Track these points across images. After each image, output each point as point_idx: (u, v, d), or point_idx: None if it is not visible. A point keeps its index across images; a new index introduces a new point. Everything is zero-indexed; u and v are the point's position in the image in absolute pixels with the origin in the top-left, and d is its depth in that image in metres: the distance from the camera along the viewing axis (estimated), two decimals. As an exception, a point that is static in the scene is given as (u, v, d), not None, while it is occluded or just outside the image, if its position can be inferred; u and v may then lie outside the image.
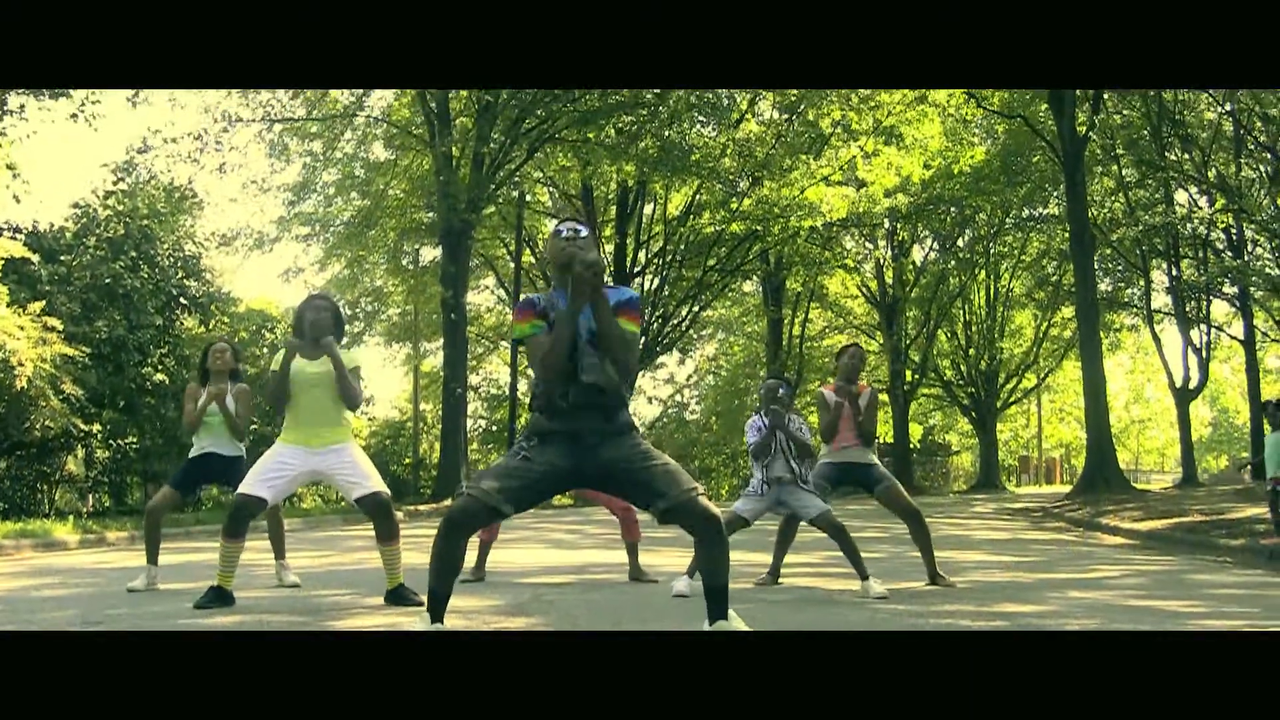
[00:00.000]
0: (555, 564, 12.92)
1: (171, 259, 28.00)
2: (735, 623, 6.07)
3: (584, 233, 6.40)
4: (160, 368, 26.50)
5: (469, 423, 46.15)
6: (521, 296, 6.78)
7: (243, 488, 8.63)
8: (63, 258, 26.04)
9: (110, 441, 27.04)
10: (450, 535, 5.99)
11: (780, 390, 10.29)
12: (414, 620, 6.26)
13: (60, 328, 22.23)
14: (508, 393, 42.85)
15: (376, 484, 8.77)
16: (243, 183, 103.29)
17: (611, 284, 6.41)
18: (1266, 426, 16.09)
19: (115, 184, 30.21)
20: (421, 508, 31.19)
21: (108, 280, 25.03)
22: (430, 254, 45.00)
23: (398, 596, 8.66)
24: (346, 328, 9.54)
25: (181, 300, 27.97)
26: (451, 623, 7.40)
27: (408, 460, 47.79)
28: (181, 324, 28.25)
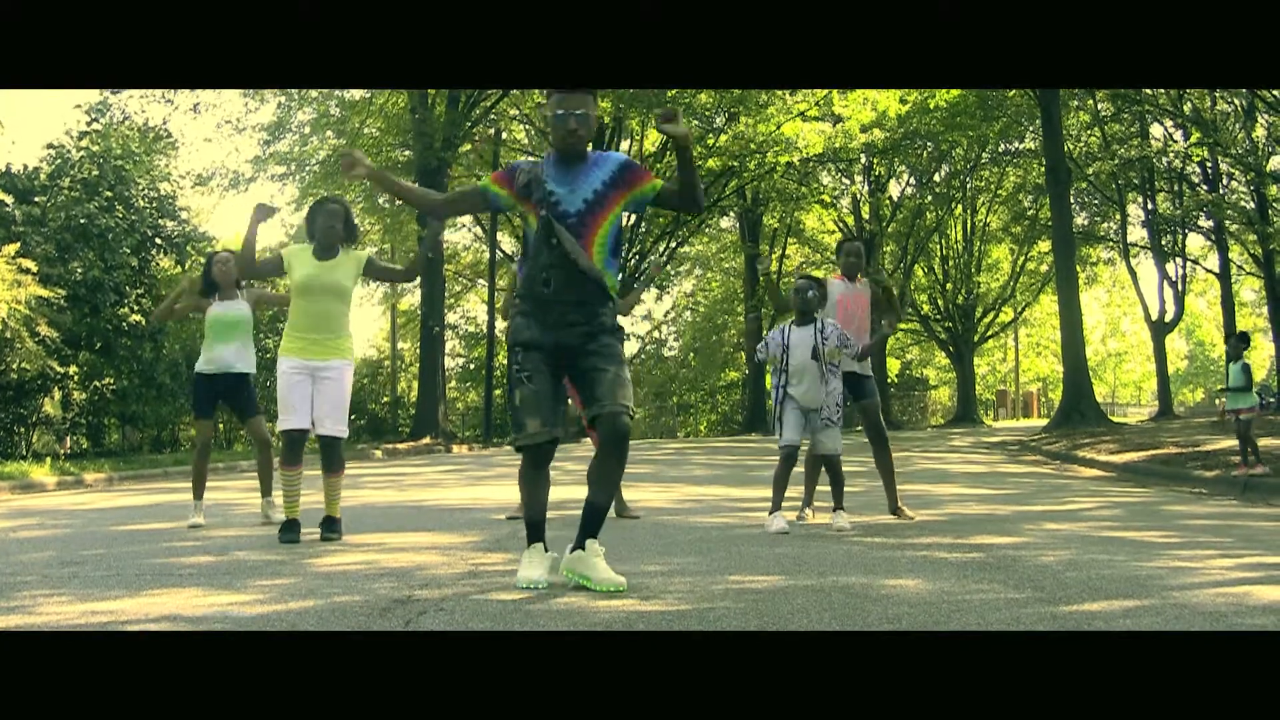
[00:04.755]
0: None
1: (146, 199, 27.84)
2: (595, 553, 6.22)
3: (579, 114, 6.26)
4: (136, 308, 26.39)
5: (447, 361, 46.13)
6: (509, 163, 6.85)
7: (283, 424, 8.82)
8: (37, 199, 25.91)
9: (87, 383, 26.98)
10: (531, 477, 6.38)
11: (810, 291, 9.92)
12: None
13: (35, 269, 22.12)
14: (485, 330, 42.84)
15: (338, 427, 8.94)
16: (217, 122, 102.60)
17: (592, 149, 6.46)
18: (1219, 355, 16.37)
19: (89, 125, 30.00)
20: (400, 446, 31.21)
21: (82, 221, 24.90)
22: (406, 191, 44.81)
23: (329, 525, 8.88)
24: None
25: (157, 240, 27.83)
26: (433, 558, 7.44)
27: (386, 399, 47.82)
28: (157, 264, 28.12)
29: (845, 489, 10.06)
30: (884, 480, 10.66)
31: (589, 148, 6.39)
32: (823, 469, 10.20)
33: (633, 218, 45.03)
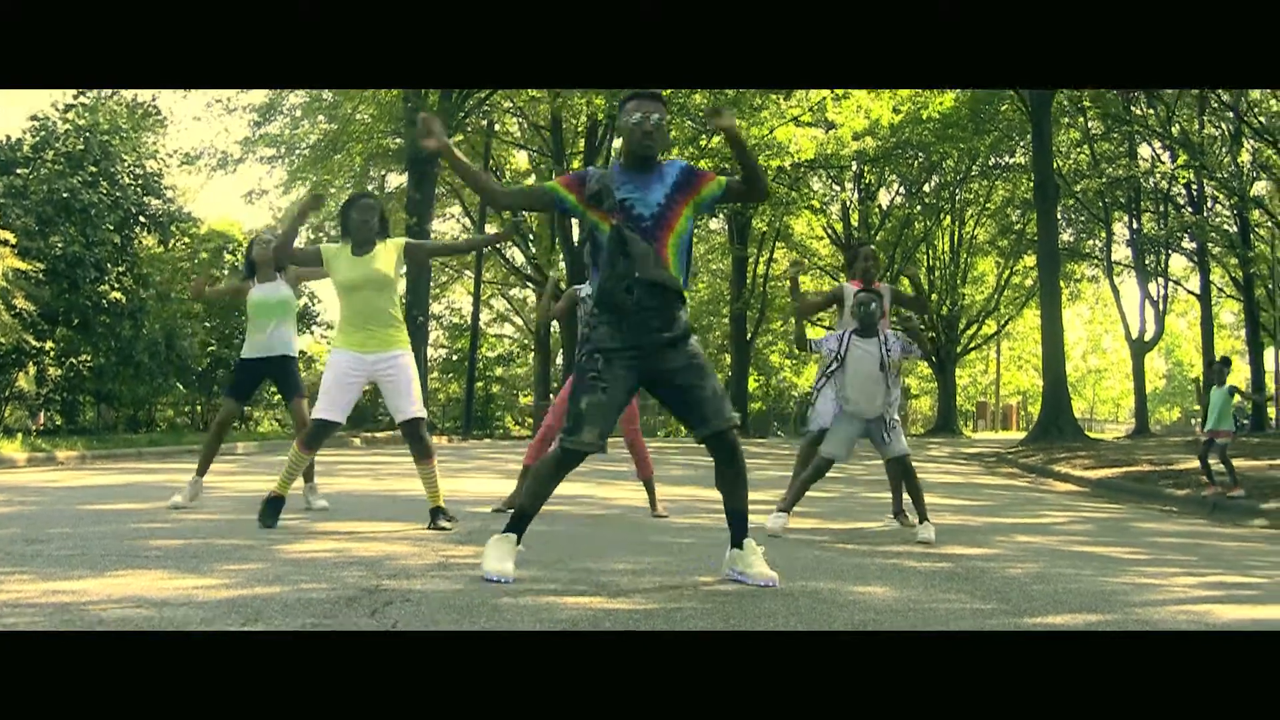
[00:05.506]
0: (509, 494, 12.91)
1: (131, 176, 27.62)
2: (752, 551, 6.42)
3: (655, 119, 6.37)
4: (117, 286, 26.23)
5: (430, 351, 46.12)
6: (578, 169, 6.92)
7: (318, 412, 8.81)
8: (19, 170, 25.68)
9: (63, 359, 26.76)
10: (550, 474, 6.41)
11: (873, 304, 9.70)
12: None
13: (14, 242, 21.99)
14: (469, 322, 42.81)
15: (418, 409, 8.97)
16: (207, 101, 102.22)
17: (661, 158, 6.51)
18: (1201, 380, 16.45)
19: (75, 97, 29.83)
20: (379, 435, 31.14)
21: (65, 195, 24.71)
22: (396, 180, 44.91)
23: (435, 515, 8.91)
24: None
25: (141, 218, 27.61)
26: (403, 548, 7.43)
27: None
28: (140, 242, 27.94)
29: (817, 495, 10.04)
30: (894, 486, 10.68)
31: (659, 157, 6.45)
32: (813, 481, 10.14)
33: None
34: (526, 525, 6.38)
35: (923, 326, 10.62)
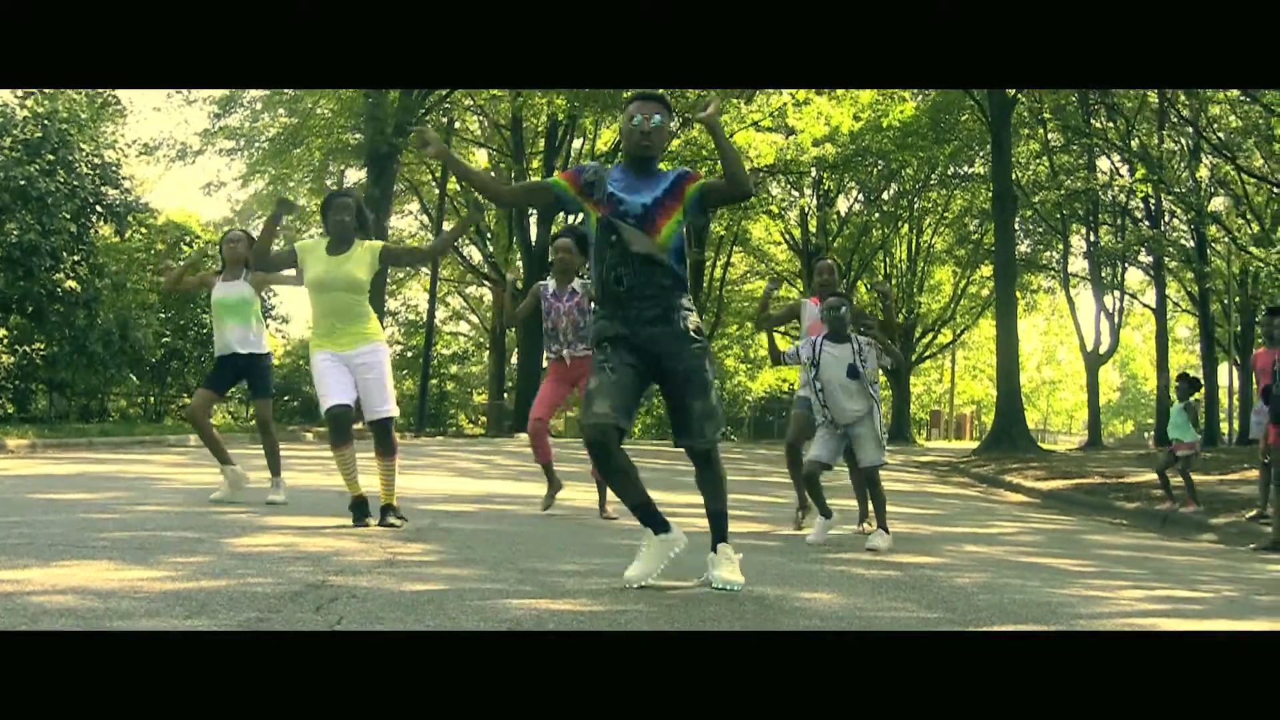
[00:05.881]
0: (459, 493, 12.90)
1: (90, 165, 27.45)
2: (725, 554, 6.40)
3: (656, 119, 6.47)
4: (72, 275, 26.09)
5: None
6: (577, 164, 6.93)
7: (323, 404, 8.81)
8: (-24, 158, 25.58)
9: (15, 347, 26.61)
10: (603, 460, 6.27)
11: (842, 308, 9.73)
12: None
13: (-32, 229, 21.87)
14: (425, 319, 42.74)
15: (391, 409, 8.94)
16: (168, 91, 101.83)
17: (664, 166, 6.59)
18: (1174, 396, 16.41)
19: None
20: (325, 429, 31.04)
21: (22, 182, 24.52)
22: (355, 175, 44.80)
23: (386, 512, 8.91)
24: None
25: (98, 207, 27.46)
26: (347, 544, 7.42)
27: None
28: (96, 231, 27.79)
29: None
30: (859, 495, 10.71)
31: (659, 164, 6.53)
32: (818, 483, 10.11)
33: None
34: (653, 511, 6.35)
35: (888, 340, 10.57)
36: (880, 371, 9.98)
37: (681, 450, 6.47)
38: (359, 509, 8.76)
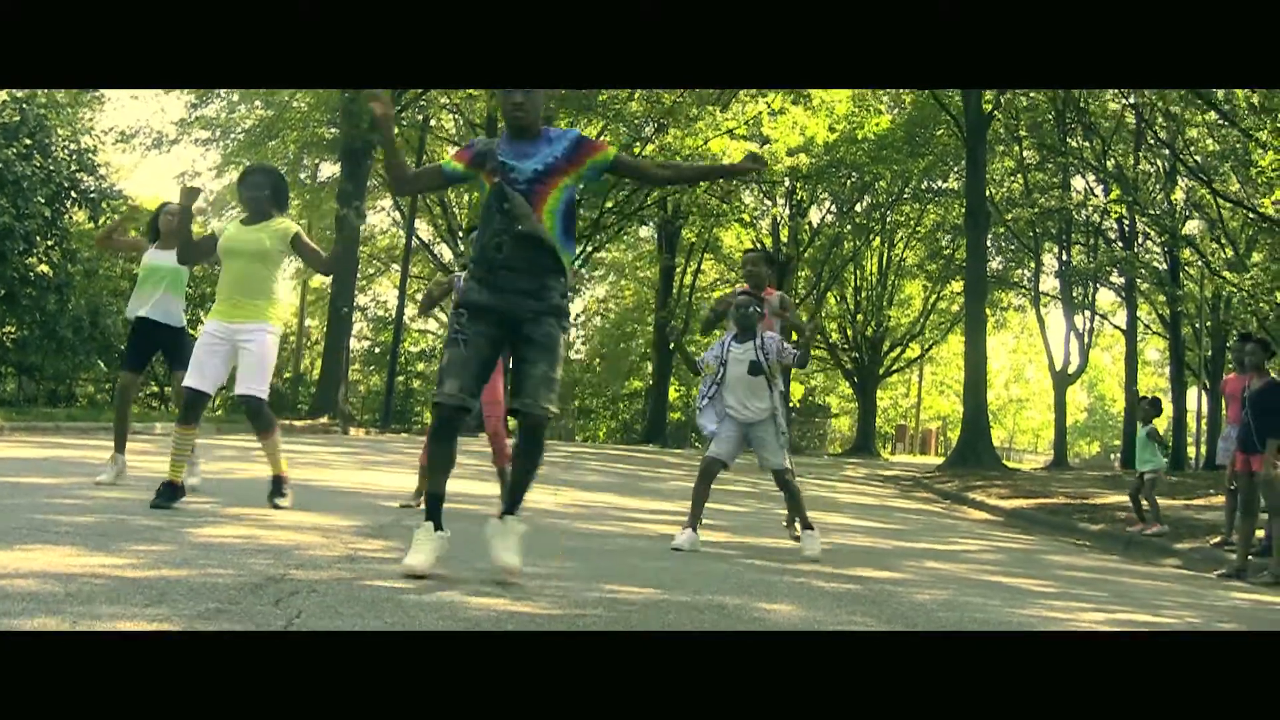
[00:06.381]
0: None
1: (66, 151, 27.40)
2: (511, 530, 6.42)
3: (526, 89, 6.42)
4: (45, 259, 26.03)
5: (353, 343, 45.99)
6: (470, 140, 6.98)
7: (187, 380, 8.82)
8: (-47, 141, 25.49)
9: (-14, 330, 26.58)
10: (437, 441, 6.41)
11: (751, 307, 9.79)
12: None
13: (-56, 210, 21.79)
14: (394, 315, 42.71)
15: (258, 388, 8.90)
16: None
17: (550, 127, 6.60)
18: (1139, 419, 16.40)
19: (14, 68, 29.53)
20: (297, 423, 31.02)
21: (-1, 166, 24.51)
22: (330, 170, 44.78)
23: (275, 485, 9.10)
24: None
25: (73, 193, 27.40)
26: (312, 538, 7.40)
27: (288, 375, 47.52)
28: (70, 217, 27.74)
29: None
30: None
31: (541, 126, 6.52)
32: (709, 485, 10.07)
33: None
34: (438, 509, 6.37)
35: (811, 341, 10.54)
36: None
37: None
38: (165, 491, 8.55)
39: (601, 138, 43.52)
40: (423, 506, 6.52)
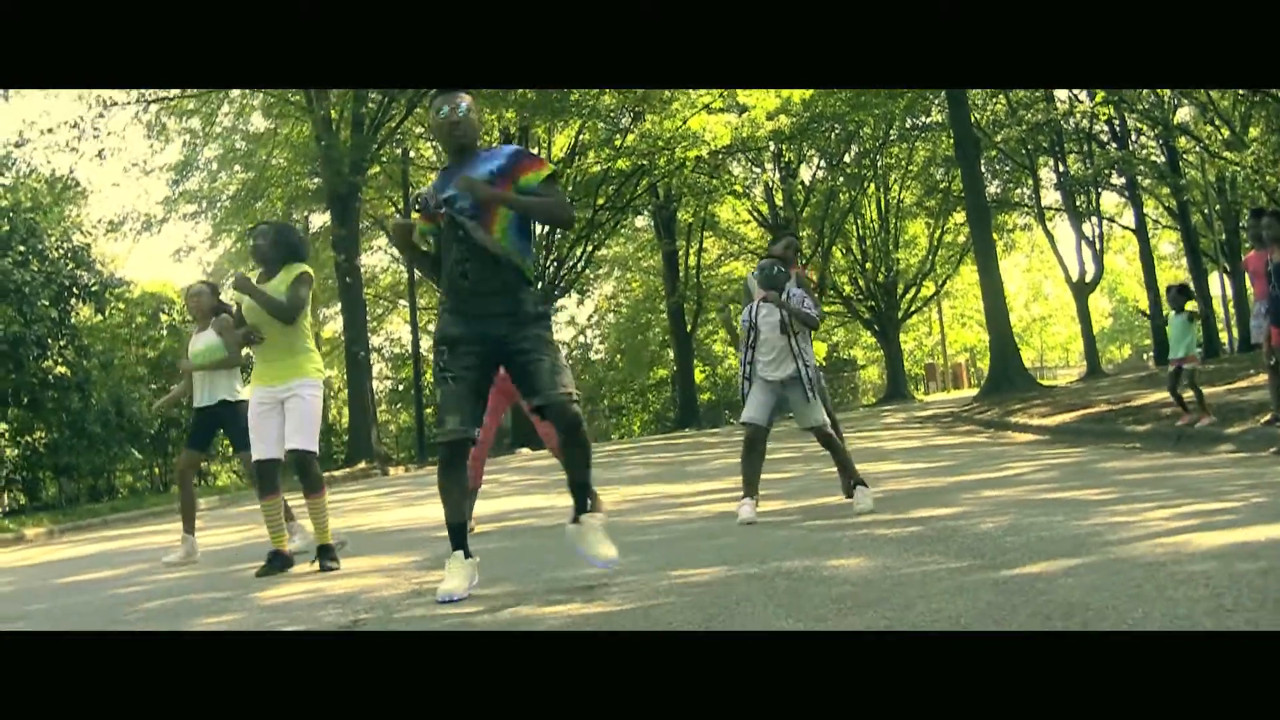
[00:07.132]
0: (474, 514, 12.87)
1: (60, 250, 27.56)
2: (590, 528, 6.48)
3: (463, 108, 6.50)
4: (60, 360, 26.18)
5: (375, 384, 46.07)
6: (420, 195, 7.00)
7: (254, 455, 8.90)
8: (-52, 258, 25.61)
9: (18, 439, 26.70)
10: (446, 473, 6.45)
11: (775, 268, 9.86)
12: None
13: (-47, 329, 21.90)
14: (410, 350, 42.73)
15: (304, 441, 8.82)
16: (124, 166, 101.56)
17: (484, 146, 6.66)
18: (1168, 309, 16.23)
19: (-5, 178, 29.72)
20: (336, 474, 31.04)
21: (-2, 277, 24.63)
22: (320, 220, 44.91)
23: (323, 553, 8.79)
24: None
25: (75, 291, 27.55)
26: (375, 580, 7.42)
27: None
28: (77, 314, 27.90)
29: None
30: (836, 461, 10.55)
31: (478, 144, 6.62)
32: (759, 453, 10.01)
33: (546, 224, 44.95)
34: (463, 536, 6.50)
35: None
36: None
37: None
38: (274, 560, 8.75)
39: (580, 137, 43.54)
40: (478, 529, 6.57)
